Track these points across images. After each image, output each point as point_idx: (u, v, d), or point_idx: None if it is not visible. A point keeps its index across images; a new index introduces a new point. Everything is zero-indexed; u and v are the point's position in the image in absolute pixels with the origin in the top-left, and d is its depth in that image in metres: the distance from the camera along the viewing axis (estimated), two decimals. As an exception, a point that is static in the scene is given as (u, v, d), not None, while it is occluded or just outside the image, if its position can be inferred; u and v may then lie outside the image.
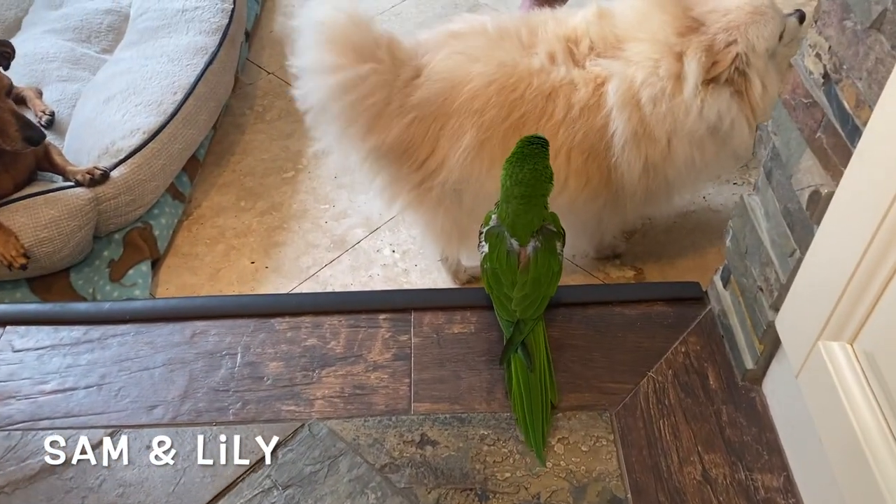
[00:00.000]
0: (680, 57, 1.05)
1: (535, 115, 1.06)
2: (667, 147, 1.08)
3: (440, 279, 1.39)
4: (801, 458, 0.87)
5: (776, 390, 0.93)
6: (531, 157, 0.94)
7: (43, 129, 1.28)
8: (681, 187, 1.17)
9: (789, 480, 0.88)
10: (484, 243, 1.00)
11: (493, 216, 1.00)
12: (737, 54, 1.06)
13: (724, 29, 1.07)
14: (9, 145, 1.23)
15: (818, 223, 0.77)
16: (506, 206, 0.97)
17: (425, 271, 1.42)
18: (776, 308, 0.88)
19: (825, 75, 0.76)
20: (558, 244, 0.99)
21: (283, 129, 1.70)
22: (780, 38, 1.09)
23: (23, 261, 1.22)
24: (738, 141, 1.12)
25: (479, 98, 1.07)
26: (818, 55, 0.77)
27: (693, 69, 1.05)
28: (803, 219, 0.80)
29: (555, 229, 0.99)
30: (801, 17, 1.15)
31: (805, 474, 0.86)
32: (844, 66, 0.72)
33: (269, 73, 1.85)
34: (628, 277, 1.37)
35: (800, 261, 0.82)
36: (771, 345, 0.92)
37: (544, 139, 0.95)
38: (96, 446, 0.95)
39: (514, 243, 0.97)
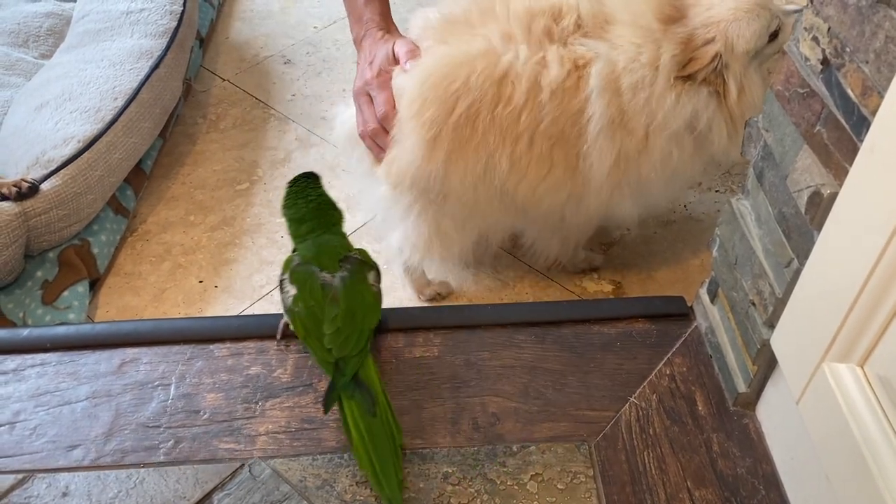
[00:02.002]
0: (659, 45, 0.96)
1: (487, 102, 0.97)
2: (644, 139, 0.99)
3: (405, 297, 1.29)
4: (802, 494, 0.77)
5: (772, 416, 0.84)
6: (302, 193, 0.94)
7: None
8: (652, 186, 1.07)
9: (790, 518, 0.78)
10: (290, 286, 0.89)
11: (296, 257, 0.91)
12: (716, 54, 0.97)
13: (704, 24, 0.98)
14: None
15: (819, 228, 0.68)
16: (302, 244, 0.91)
17: (388, 289, 1.29)
18: (771, 325, 0.79)
19: (824, 61, 0.67)
20: (370, 274, 0.91)
21: (238, 139, 1.59)
22: (775, 37, 1.00)
23: None
24: (717, 145, 1.03)
25: (415, 101, 0.98)
26: (815, 39, 0.68)
27: (665, 63, 0.96)
28: (801, 224, 0.71)
29: (362, 258, 0.91)
30: None
31: (808, 512, 0.76)
32: (847, 49, 0.63)
33: (223, 80, 1.75)
34: (606, 292, 1.28)
35: (798, 271, 0.72)
36: (765, 366, 0.82)
37: (309, 173, 0.96)
38: (4, 495, 0.83)
39: (326, 276, 0.87)
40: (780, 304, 0.76)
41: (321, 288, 0.87)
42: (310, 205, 0.93)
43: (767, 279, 0.78)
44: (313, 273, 0.88)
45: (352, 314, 0.86)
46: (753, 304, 0.82)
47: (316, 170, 1.49)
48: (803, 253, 0.71)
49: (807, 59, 0.69)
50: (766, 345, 0.80)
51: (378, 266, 0.94)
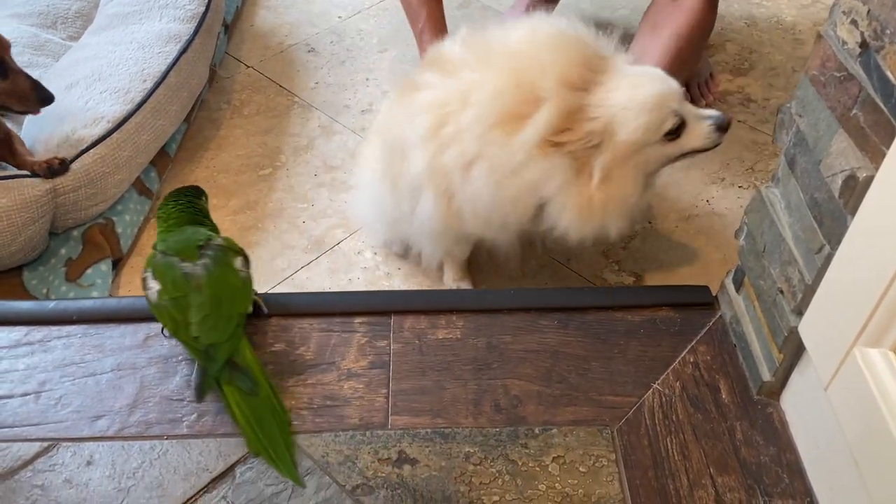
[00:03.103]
0: (537, 103, 0.94)
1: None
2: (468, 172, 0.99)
3: (425, 284, 1.29)
4: (828, 483, 0.77)
5: (797, 405, 0.83)
6: (176, 197, 0.97)
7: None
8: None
9: (814, 508, 0.78)
10: (152, 281, 0.88)
11: (157, 252, 0.91)
12: (590, 132, 0.94)
13: (598, 103, 0.96)
14: (25, 106, 1.20)
15: (853, 213, 0.68)
16: (165, 236, 0.92)
17: (409, 275, 1.31)
18: (799, 312, 0.78)
19: (863, 44, 0.66)
20: (236, 260, 0.91)
21: (262, 125, 1.60)
22: (675, 136, 0.99)
23: None
24: (558, 220, 0.99)
25: None
26: (854, 22, 0.67)
27: (538, 121, 0.94)
28: (834, 209, 0.71)
29: (226, 244, 0.91)
30: (722, 125, 1.01)
31: (833, 501, 0.76)
32: (888, 32, 0.63)
33: (248, 67, 1.75)
34: (627, 284, 1.27)
35: (829, 257, 0.72)
36: (792, 354, 0.82)
37: (194, 187, 1.00)
38: (30, 461, 0.83)
39: (188, 265, 0.87)
40: (810, 290, 0.75)
41: (184, 277, 0.86)
42: (178, 206, 0.95)
43: (797, 266, 0.78)
44: (173, 264, 0.87)
45: (218, 300, 0.86)
46: (781, 291, 0.81)
47: (338, 157, 1.51)
48: (835, 238, 0.71)
49: (844, 43, 0.69)
50: (793, 332, 0.79)
51: (245, 252, 0.94)
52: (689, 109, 1.00)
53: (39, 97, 1.19)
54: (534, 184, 0.97)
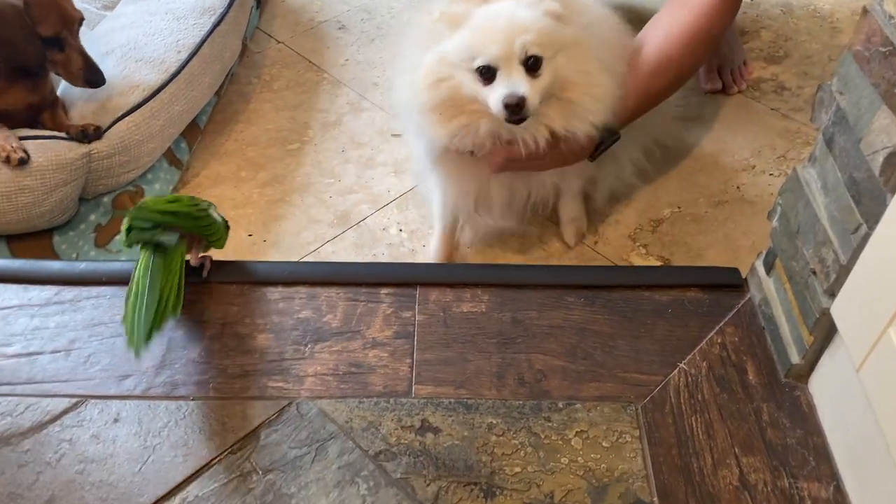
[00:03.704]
0: None
1: None
2: None
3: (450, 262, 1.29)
4: (856, 467, 0.76)
5: (826, 388, 0.82)
6: None
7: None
8: None
9: (840, 491, 0.77)
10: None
11: None
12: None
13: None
14: (71, 81, 1.25)
15: (893, 191, 0.67)
16: None
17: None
18: (832, 293, 0.77)
19: (910, 18, 0.65)
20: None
21: (291, 100, 1.61)
22: (484, 77, 1.02)
23: (21, 154, 1.14)
24: None
25: None
26: (901, -5, 0.66)
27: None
28: (873, 188, 0.69)
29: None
30: (510, 104, 0.99)
31: (860, 485, 0.75)
32: (936, 4, 0.61)
33: (278, 43, 1.76)
34: (654, 268, 1.26)
35: (866, 237, 0.71)
36: (822, 336, 0.81)
37: None
38: (59, 416, 0.85)
39: None
40: (844, 271, 0.74)
41: None
42: None
43: (831, 246, 0.77)
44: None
45: None
46: (814, 272, 0.80)
47: (366, 134, 1.51)
48: (874, 218, 0.70)
49: (891, 18, 0.68)
50: (825, 314, 0.78)
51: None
52: (513, 73, 0.99)
53: (87, 78, 1.24)
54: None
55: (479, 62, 1.00)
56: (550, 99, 1.03)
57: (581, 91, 1.04)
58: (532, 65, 1.00)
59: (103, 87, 1.28)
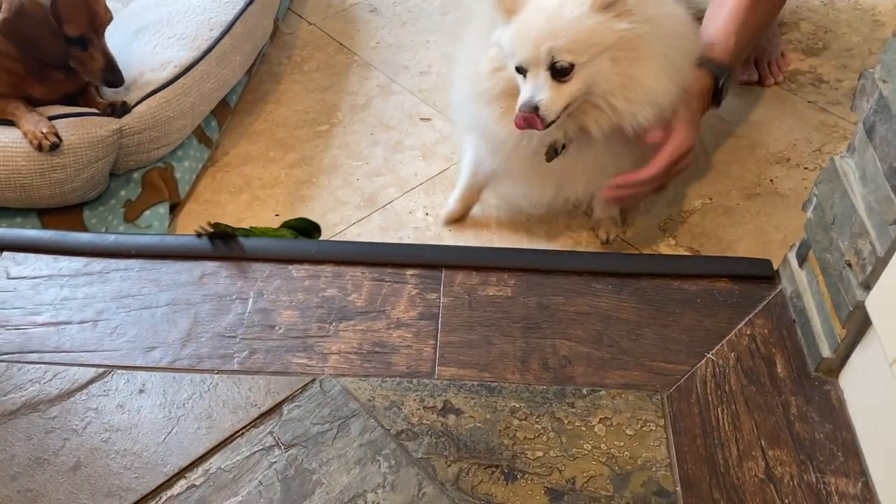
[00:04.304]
0: None
1: None
2: None
3: (473, 240, 1.29)
4: (886, 464, 0.74)
5: (857, 383, 0.80)
6: None
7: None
8: None
9: (868, 488, 0.75)
10: None
11: None
12: None
13: None
14: (90, 78, 1.24)
15: (936, 181, 0.65)
16: None
17: (459, 238, 1.30)
18: (867, 286, 0.75)
19: (961, 2, 0.63)
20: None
21: (321, 82, 1.61)
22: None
23: (53, 139, 1.15)
24: None
25: None
26: (952, -21, 0.64)
27: None
28: (915, 178, 0.68)
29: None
30: (522, 109, 0.98)
31: (889, 482, 0.73)
32: None
33: (310, 24, 1.76)
34: (682, 259, 1.25)
35: (906, 228, 0.69)
36: (856, 330, 0.79)
37: None
38: (85, 385, 0.86)
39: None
40: (881, 263, 0.73)
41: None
42: None
43: (868, 238, 0.75)
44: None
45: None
46: (849, 264, 0.78)
47: (394, 118, 1.52)
48: (914, 208, 0.68)
49: (940, 2, 0.66)
50: (859, 307, 0.76)
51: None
52: (538, 77, 0.97)
53: (105, 78, 1.23)
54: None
55: (514, 61, 0.99)
56: (586, 104, 1.00)
57: (622, 96, 0.99)
58: (559, 70, 0.96)
59: (136, 63, 1.28)
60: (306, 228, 1.14)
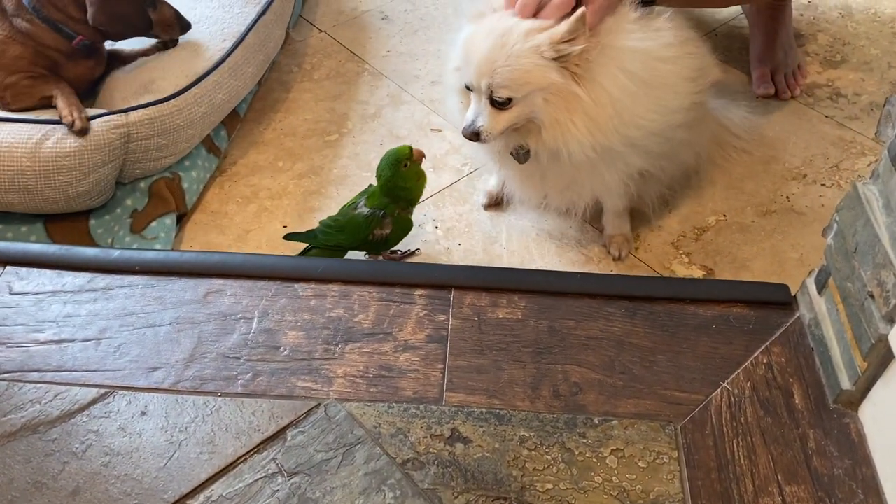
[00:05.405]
0: None
1: None
2: None
3: (485, 259, 1.27)
4: (907, 503, 0.72)
5: (879, 418, 0.78)
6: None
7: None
8: None
9: (889, 527, 0.73)
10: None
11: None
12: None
13: None
14: (170, 34, 1.33)
15: (966, 216, 0.62)
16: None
17: (469, 252, 1.29)
18: (891, 319, 0.73)
19: None
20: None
21: (331, 90, 1.59)
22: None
23: (86, 124, 1.19)
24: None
25: None
26: None
27: None
28: (943, 211, 0.65)
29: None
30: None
31: (911, 523, 0.71)
32: None
33: (321, 32, 1.74)
34: (696, 278, 1.22)
35: (933, 262, 0.67)
36: (877, 363, 0.77)
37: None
38: (87, 406, 0.84)
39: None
40: (906, 297, 0.70)
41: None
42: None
43: (892, 270, 0.72)
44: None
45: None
46: (871, 296, 0.76)
47: (405, 127, 1.50)
48: (942, 242, 0.65)
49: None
50: (881, 340, 0.74)
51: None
52: (480, 101, 1.01)
53: (181, 24, 1.32)
54: None
55: (462, 79, 1.04)
56: (531, 123, 1.03)
57: (550, 134, 1.02)
58: (498, 102, 1.00)
59: (146, 71, 1.28)
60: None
